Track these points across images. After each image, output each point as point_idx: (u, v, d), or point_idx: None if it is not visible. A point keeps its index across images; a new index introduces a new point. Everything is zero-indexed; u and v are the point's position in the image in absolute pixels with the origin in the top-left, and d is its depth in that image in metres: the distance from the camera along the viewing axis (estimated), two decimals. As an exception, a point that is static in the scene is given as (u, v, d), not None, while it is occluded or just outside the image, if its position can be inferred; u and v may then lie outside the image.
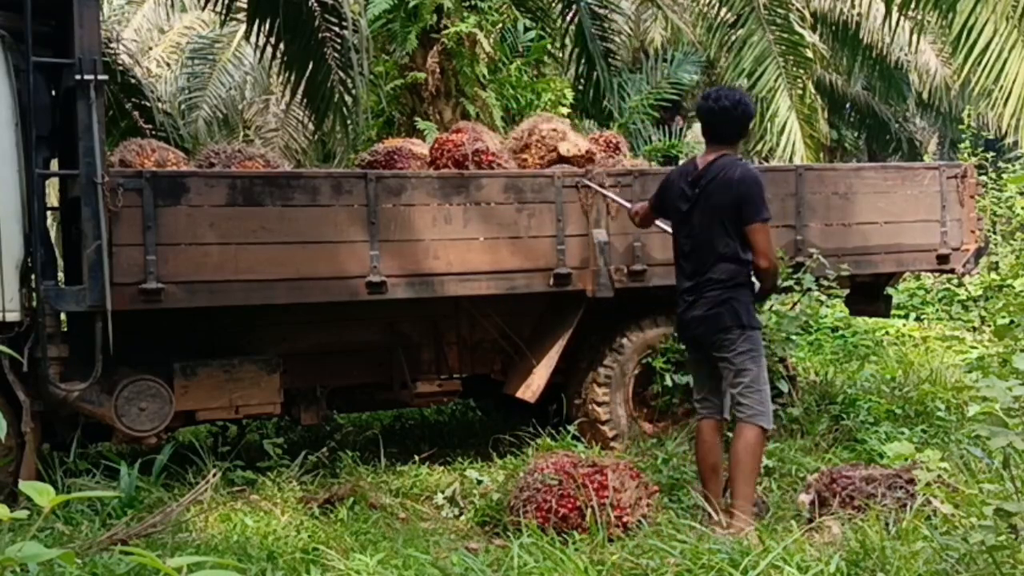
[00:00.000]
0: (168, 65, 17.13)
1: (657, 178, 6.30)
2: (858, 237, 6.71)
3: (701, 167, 4.68)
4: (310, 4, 9.03)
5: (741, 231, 4.55)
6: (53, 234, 6.81)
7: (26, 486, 1.69)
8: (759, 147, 11.93)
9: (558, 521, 4.45)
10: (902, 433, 5.89)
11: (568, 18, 11.83)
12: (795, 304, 6.52)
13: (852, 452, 5.66)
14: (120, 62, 9.41)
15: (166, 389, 5.38)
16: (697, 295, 4.65)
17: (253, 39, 9.62)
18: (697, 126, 21.74)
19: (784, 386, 6.18)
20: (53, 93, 5.39)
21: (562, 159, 6.36)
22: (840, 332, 10.41)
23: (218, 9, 10.07)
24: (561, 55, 12.39)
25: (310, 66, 9.36)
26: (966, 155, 12.32)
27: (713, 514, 4.43)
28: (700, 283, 4.63)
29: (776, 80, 10.64)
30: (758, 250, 4.55)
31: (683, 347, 5.13)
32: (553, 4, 11.84)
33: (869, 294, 7.36)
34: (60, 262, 6.30)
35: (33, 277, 5.14)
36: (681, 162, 5.05)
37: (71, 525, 4.55)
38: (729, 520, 4.36)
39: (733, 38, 10.96)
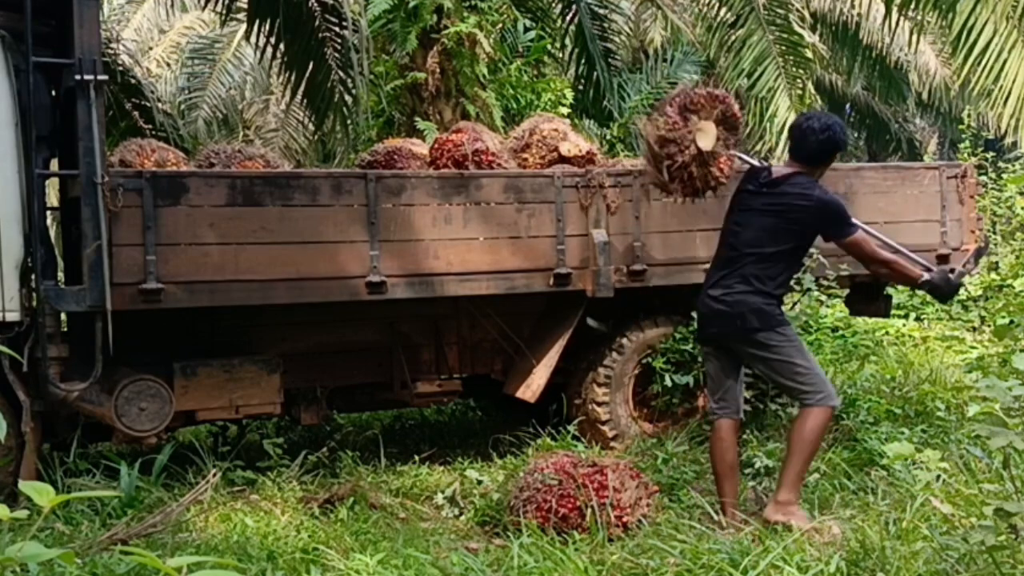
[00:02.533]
0: (168, 65, 17.13)
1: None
2: (858, 237, 6.69)
3: (776, 176, 4.74)
4: (310, 4, 9.03)
5: (804, 246, 4.71)
6: (53, 234, 6.81)
7: (26, 486, 1.69)
8: (758, 147, 11.93)
9: (558, 521, 4.45)
10: (902, 433, 5.89)
11: (568, 18, 11.83)
12: (795, 304, 6.52)
13: (852, 452, 5.66)
14: (120, 62, 9.42)
15: (166, 389, 5.38)
16: (726, 290, 4.66)
17: (253, 39, 9.62)
18: (697, 126, 21.70)
19: (784, 386, 6.18)
20: (53, 93, 5.38)
21: (563, 159, 6.37)
22: (840, 332, 10.39)
23: (218, 9, 10.08)
24: (561, 55, 12.40)
25: (310, 66, 9.37)
26: (966, 155, 12.31)
27: (714, 515, 4.43)
28: (731, 279, 4.66)
29: (775, 80, 10.64)
30: (867, 256, 4.69)
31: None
32: (553, 4, 11.84)
33: (869, 294, 7.36)
34: (60, 262, 6.30)
35: (33, 277, 5.14)
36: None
37: (71, 525, 4.54)
38: (778, 506, 4.42)
39: (733, 38, 10.95)
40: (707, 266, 6.14)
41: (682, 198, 5.26)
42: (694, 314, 5.04)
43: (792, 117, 10.65)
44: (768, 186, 4.71)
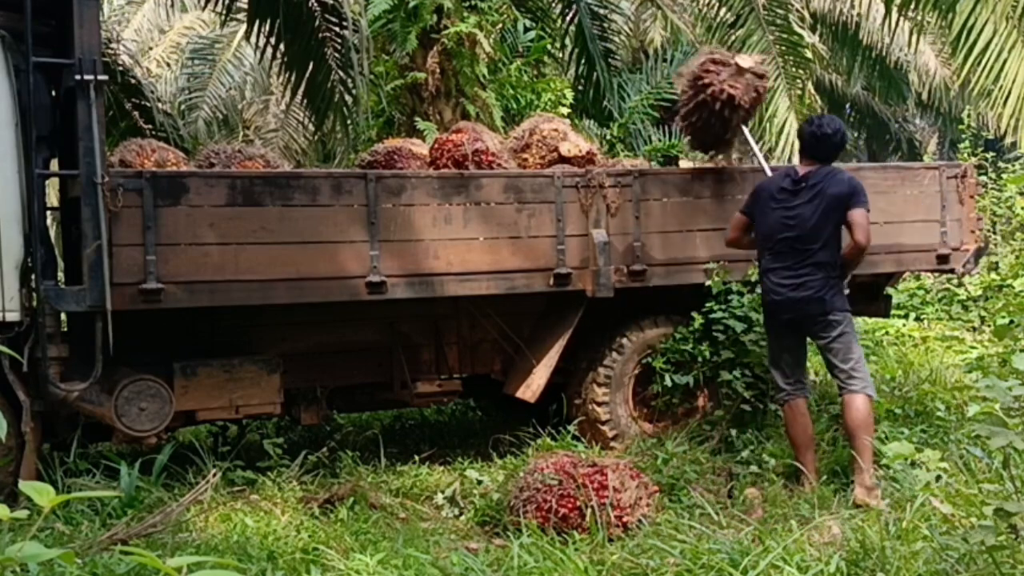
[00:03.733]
0: (168, 65, 17.12)
1: (658, 178, 6.33)
2: (858, 237, 6.70)
3: (804, 173, 5.32)
4: (310, 4, 9.03)
5: (843, 221, 5.18)
6: (53, 234, 6.81)
7: (26, 486, 1.69)
8: (758, 147, 11.90)
9: (558, 521, 4.45)
10: (902, 433, 5.89)
11: (568, 18, 11.82)
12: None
13: (852, 452, 5.65)
14: (120, 62, 9.41)
15: (166, 389, 5.38)
16: (800, 279, 5.19)
17: (253, 39, 9.61)
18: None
19: (784, 386, 6.19)
20: (53, 93, 5.38)
21: (563, 159, 6.37)
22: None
23: (218, 9, 10.07)
24: (561, 55, 12.39)
25: (310, 66, 9.36)
26: (966, 155, 12.31)
27: (714, 515, 4.44)
28: (803, 269, 5.20)
29: (775, 80, 10.62)
30: (859, 227, 5.13)
31: (768, 330, 5.53)
32: (553, 4, 11.83)
33: (869, 294, 7.35)
34: (60, 262, 6.30)
35: (33, 277, 5.14)
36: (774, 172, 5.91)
37: (71, 525, 4.54)
38: (867, 491, 4.79)
39: (732, 38, 10.94)
40: (707, 266, 6.20)
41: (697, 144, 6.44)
42: (766, 301, 5.43)
43: (792, 117, 10.69)
44: (801, 182, 5.29)
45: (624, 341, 6.29)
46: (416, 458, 5.94)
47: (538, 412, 6.35)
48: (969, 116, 12.94)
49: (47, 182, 6.07)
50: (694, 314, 6.21)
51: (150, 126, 8.98)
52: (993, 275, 11.22)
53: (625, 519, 4.48)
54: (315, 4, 9.00)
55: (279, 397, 5.70)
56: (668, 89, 12.85)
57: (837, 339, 5.16)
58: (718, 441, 5.92)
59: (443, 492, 5.34)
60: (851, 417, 5.10)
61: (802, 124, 5.65)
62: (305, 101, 9.95)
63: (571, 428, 5.87)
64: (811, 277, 5.19)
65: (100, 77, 5.04)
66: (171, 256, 5.24)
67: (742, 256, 6.30)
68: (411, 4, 9.08)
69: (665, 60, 13.43)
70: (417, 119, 9.15)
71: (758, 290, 6.17)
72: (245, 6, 9.62)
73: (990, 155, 12.63)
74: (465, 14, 9.10)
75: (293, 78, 9.60)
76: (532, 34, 10.79)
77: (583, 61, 11.72)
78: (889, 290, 7.61)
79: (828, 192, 5.21)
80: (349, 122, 9.66)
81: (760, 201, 5.46)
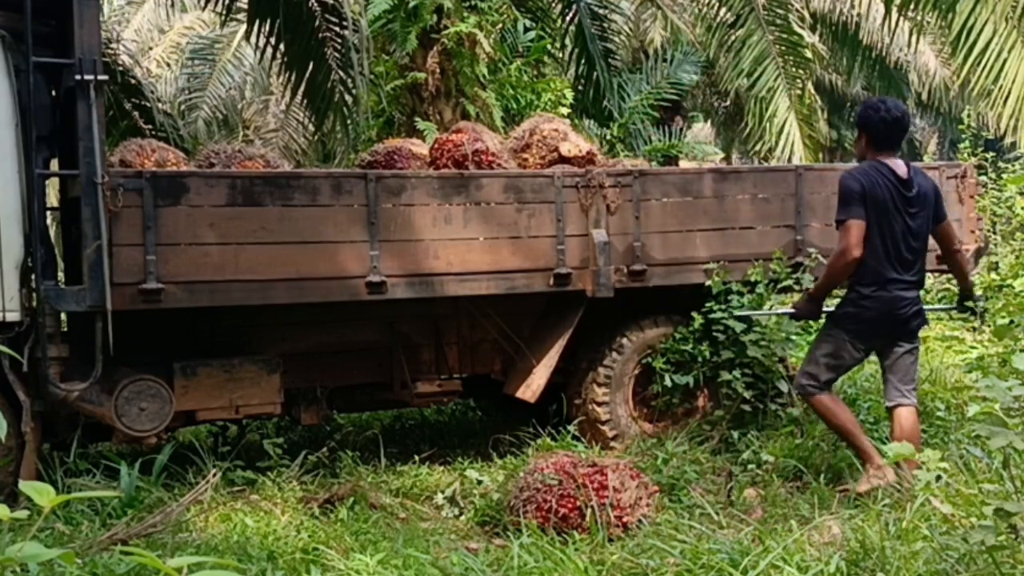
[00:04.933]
0: (168, 65, 17.12)
1: (658, 178, 6.32)
2: (858, 237, 6.69)
3: (904, 174, 5.00)
4: (310, 4, 9.03)
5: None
6: (53, 234, 6.81)
7: (26, 486, 1.69)
8: (757, 147, 11.92)
9: (558, 521, 4.45)
10: (902, 433, 5.88)
11: (568, 18, 11.82)
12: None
13: (852, 452, 5.65)
14: (120, 62, 9.41)
15: (166, 389, 5.38)
16: (916, 290, 5.08)
17: (253, 39, 9.61)
18: (697, 126, 21.72)
19: (784, 386, 6.19)
20: (53, 93, 5.38)
21: (563, 159, 6.37)
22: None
23: (218, 9, 10.07)
24: (561, 55, 12.39)
25: (310, 66, 9.36)
26: (966, 155, 12.30)
27: (714, 515, 4.44)
28: (919, 280, 5.10)
29: (775, 80, 10.64)
30: (955, 239, 5.25)
31: (854, 338, 5.14)
32: (553, 4, 11.83)
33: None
34: (60, 262, 6.30)
35: (33, 277, 5.14)
36: (849, 169, 5.35)
37: (71, 525, 4.54)
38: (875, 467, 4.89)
39: (732, 38, 10.95)
40: (707, 266, 6.19)
41: None
42: (858, 310, 5.06)
43: (792, 117, 10.69)
44: (911, 185, 4.99)
45: (624, 341, 6.29)
46: (416, 458, 5.94)
47: (538, 412, 6.35)
48: (969, 116, 12.93)
49: (47, 182, 6.07)
50: (694, 314, 6.21)
51: (150, 126, 8.98)
52: (993, 275, 11.21)
53: (625, 519, 4.48)
54: (315, 4, 9.00)
55: (279, 397, 5.70)
56: (668, 89, 12.88)
57: (915, 350, 5.12)
58: (718, 441, 5.92)
59: (443, 492, 5.34)
60: (913, 426, 5.02)
61: (864, 110, 5.18)
62: (305, 101, 9.95)
63: (571, 428, 5.87)
64: (919, 288, 5.11)
65: (100, 77, 5.04)
66: (171, 256, 5.24)
67: (742, 256, 6.30)
68: (411, 4, 9.08)
69: (665, 60, 13.44)
70: (417, 119, 9.16)
71: (757, 290, 6.19)
72: (245, 6, 9.62)
73: (990, 155, 12.62)
74: (465, 14, 9.11)
75: (293, 78, 9.60)
76: (532, 34, 10.79)
77: (583, 61, 11.73)
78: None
79: (930, 197, 5.04)
80: (349, 122, 9.66)
81: (879, 207, 4.93)
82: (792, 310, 5.53)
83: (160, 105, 9.89)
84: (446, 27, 9.04)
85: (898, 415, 5.02)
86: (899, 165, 5.02)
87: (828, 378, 5.22)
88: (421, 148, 6.64)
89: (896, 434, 4.95)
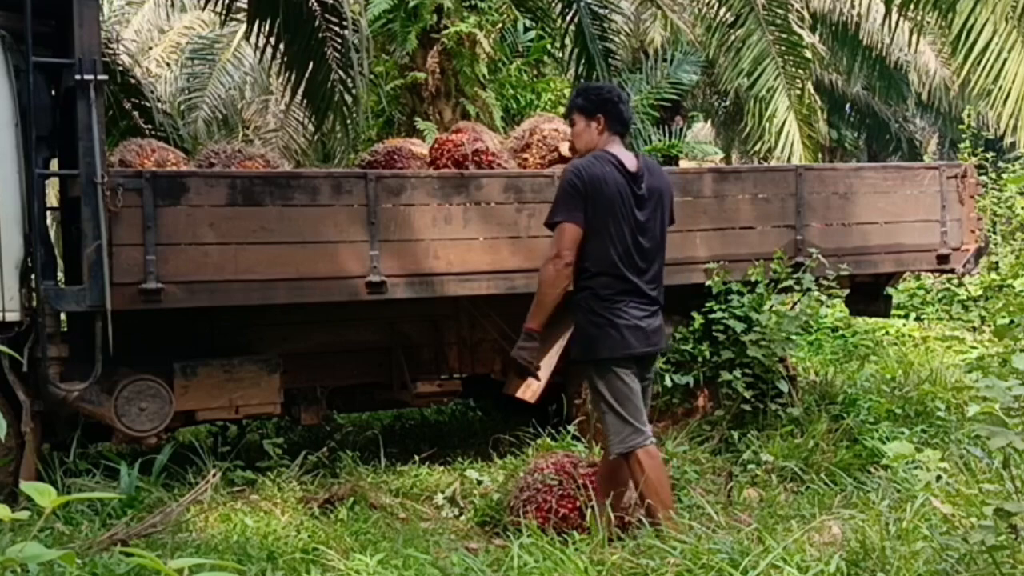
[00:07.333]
0: (168, 65, 17.11)
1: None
2: (858, 237, 6.70)
3: (636, 166, 4.32)
4: (310, 4, 9.02)
5: None
6: (53, 234, 6.81)
7: (26, 486, 1.69)
8: (757, 147, 11.93)
9: (558, 521, 4.45)
10: (902, 433, 5.89)
11: (568, 18, 11.82)
12: (795, 304, 6.52)
13: (852, 452, 5.66)
14: (120, 62, 9.41)
15: (166, 389, 5.38)
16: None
17: (253, 39, 9.61)
18: (697, 126, 21.72)
19: (784, 386, 6.18)
20: (53, 93, 5.38)
21: (563, 159, 6.36)
22: (840, 332, 10.41)
23: (218, 9, 10.06)
24: (561, 55, 12.39)
25: (310, 66, 9.36)
26: (966, 155, 12.31)
27: (714, 515, 4.43)
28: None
29: (775, 80, 10.63)
30: None
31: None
32: (553, 4, 11.83)
33: (869, 294, 7.36)
34: (60, 262, 6.30)
35: (33, 277, 5.14)
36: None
37: (71, 525, 4.54)
38: None
39: (732, 38, 10.94)
40: (707, 266, 6.20)
41: None
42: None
43: (792, 117, 10.69)
44: (640, 177, 4.33)
45: (624, 341, 6.27)
46: (416, 458, 5.94)
47: (538, 412, 6.35)
48: (969, 116, 12.94)
49: (47, 182, 6.06)
50: (694, 314, 6.20)
51: (150, 126, 8.98)
52: (993, 275, 11.22)
53: (625, 519, 4.48)
54: (315, 4, 9.00)
55: (279, 397, 5.70)
56: (668, 89, 12.89)
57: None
58: (718, 441, 5.91)
59: (443, 492, 5.34)
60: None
61: (596, 92, 4.42)
62: (305, 101, 9.95)
63: (571, 428, 5.87)
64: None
65: (100, 77, 5.04)
66: (171, 256, 5.24)
67: (742, 256, 6.30)
68: (411, 4, 9.09)
69: (665, 60, 13.45)
70: (417, 119, 9.16)
71: (757, 290, 6.19)
72: (245, 6, 9.61)
73: (990, 155, 12.63)
74: (465, 14, 9.11)
75: (293, 78, 9.60)
76: (532, 34, 10.81)
77: (583, 61, 11.72)
78: (889, 290, 7.61)
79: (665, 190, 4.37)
80: (349, 122, 9.65)
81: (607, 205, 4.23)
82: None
83: (160, 105, 9.88)
84: (446, 27, 9.04)
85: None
86: (634, 159, 4.33)
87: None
88: (421, 148, 6.64)
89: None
